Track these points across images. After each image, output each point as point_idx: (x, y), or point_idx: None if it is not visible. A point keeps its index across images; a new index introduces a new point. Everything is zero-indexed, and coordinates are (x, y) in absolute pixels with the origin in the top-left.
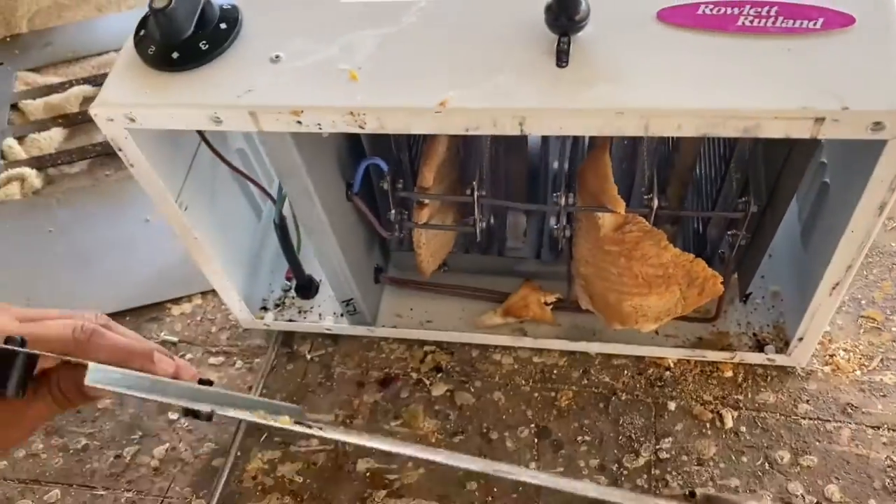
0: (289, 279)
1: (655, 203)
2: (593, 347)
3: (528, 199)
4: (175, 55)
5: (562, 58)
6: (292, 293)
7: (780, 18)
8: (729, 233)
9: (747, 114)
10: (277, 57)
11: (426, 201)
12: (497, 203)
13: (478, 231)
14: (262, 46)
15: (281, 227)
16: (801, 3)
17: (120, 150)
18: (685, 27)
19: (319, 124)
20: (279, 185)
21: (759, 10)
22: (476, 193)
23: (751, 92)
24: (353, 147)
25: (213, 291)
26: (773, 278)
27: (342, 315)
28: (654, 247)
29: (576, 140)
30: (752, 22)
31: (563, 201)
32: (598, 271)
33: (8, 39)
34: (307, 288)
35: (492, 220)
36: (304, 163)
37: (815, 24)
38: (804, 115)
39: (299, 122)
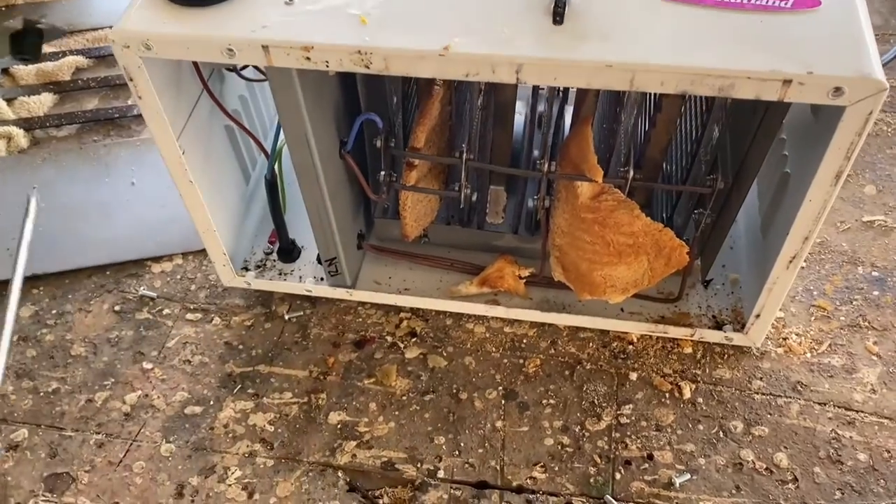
0: (271, 243)
1: (631, 174)
2: (562, 319)
3: (506, 176)
4: None
5: (557, 16)
6: (274, 256)
7: None
8: (695, 212)
9: (723, 73)
10: (291, 0)
11: (416, 162)
12: (483, 167)
13: (462, 197)
14: None
15: (271, 184)
16: None
17: (131, 79)
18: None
19: (327, 62)
20: (274, 140)
21: None
22: (465, 156)
23: (727, 55)
24: (350, 105)
25: (194, 253)
26: (734, 267)
27: (321, 280)
28: (627, 215)
29: (558, 119)
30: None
31: (545, 167)
32: (572, 241)
33: (3, 9)
34: (289, 251)
35: (474, 196)
36: (306, 106)
37: (785, 4)
38: (773, 76)
39: (308, 59)
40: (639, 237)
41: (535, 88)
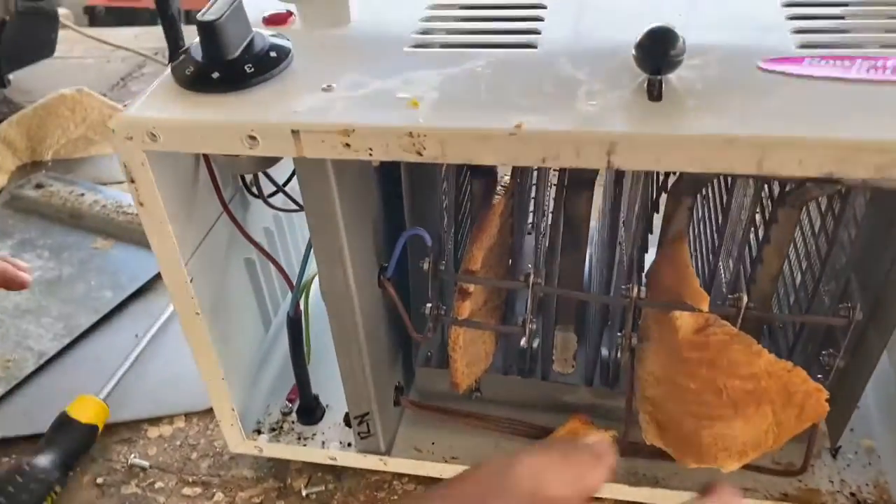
0: (291, 401)
1: (745, 300)
2: (657, 496)
3: (579, 314)
4: (216, 75)
5: (654, 92)
6: (293, 417)
7: None
8: (823, 353)
9: (883, 146)
10: (329, 87)
11: (471, 289)
12: (554, 291)
13: (527, 332)
14: (313, 77)
15: (294, 323)
16: None
17: (132, 181)
18: (794, 76)
19: (371, 149)
20: (301, 269)
21: (874, 62)
22: (532, 279)
23: (882, 128)
24: (392, 220)
25: (199, 414)
26: (864, 431)
27: (349, 445)
28: (745, 352)
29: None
30: (868, 72)
31: (634, 292)
32: (671, 390)
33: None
34: (311, 411)
35: (535, 341)
36: (342, 212)
37: None
38: None
39: (348, 146)
40: (761, 380)
41: (614, 205)
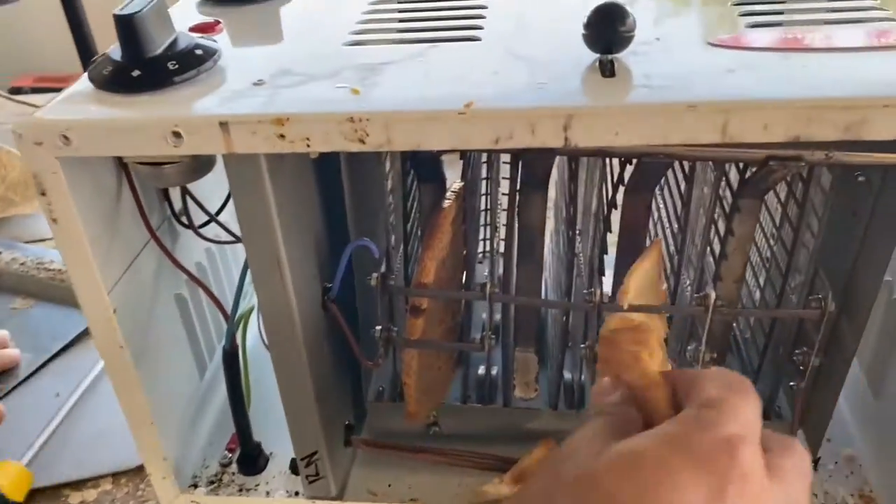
0: (230, 450)
1: (713, 297)
2: None
3: (539, 334)
4: (136, 73)
5: (606, 70)
6: (233, 468)
7: (858, 38)
8: (797, 352)
9: (851, 102)
10: (261, 81)
11: (424, 305)
12: (512, 300)
13: (486, 349)
14: (243, 73)
15: (230, 356)
16: (873, 29)
17: (43, 193)
18: (747, 48)
19: (308, 139)
20: (236, 298)
21: (825, 33)
22: (488, 289)
23: (846, 87)
24: (335, 234)
25: (128, 474)
26: (842, 440)
27: (296, 494)
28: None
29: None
30: (820, 41)
31: (596, 297)
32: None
33: None
34: (253, 459)
35: (494, 369)
36: (280, 222)
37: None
38: None
39: (282, 137)
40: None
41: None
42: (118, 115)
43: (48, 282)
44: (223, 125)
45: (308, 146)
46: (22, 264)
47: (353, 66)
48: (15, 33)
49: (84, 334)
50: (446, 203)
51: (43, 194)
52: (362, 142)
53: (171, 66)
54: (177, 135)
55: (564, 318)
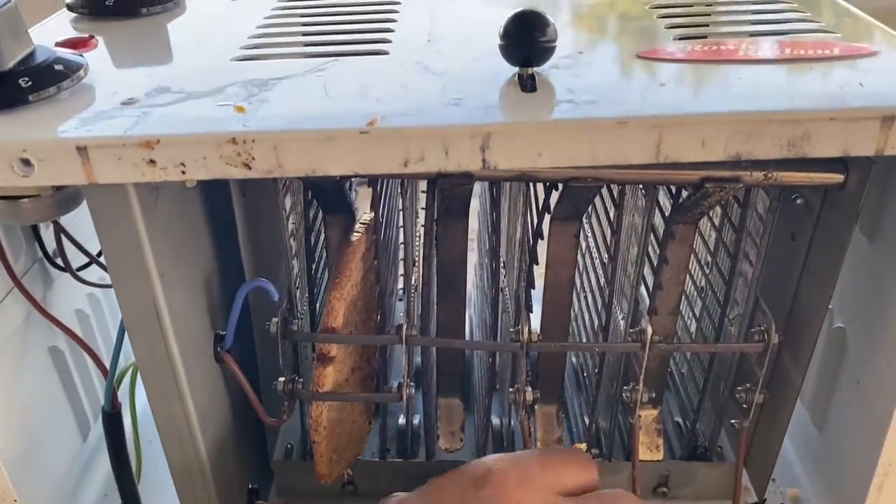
0: None
1: (649, 332)
2: None
3: (464, 379)
4: None
5: (526, 84)
6: None
7: (789, 49)
8: (739, 389)
9: (793, 115)
10: (132, 100)
11: (333, 353)
12: (433, 343)
13: (404, 398)
14: (111, 91)
15: (111, 418)
16: (802, 39)
17: None
18: (679, 61)
19: (183, 165)
20: (116, 349)
21: (756, 44)
22: (404, 332)
23: (788, 101)
24: (228, 274)
25: None
26: (787, 480)
27: None
28: None
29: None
30: (756, 53)
31: (524, 335)
32: None
33: None
34: None
35: (415, 418)
36: (157, 265)
37: (831, 52)
38: (868, 114)
39: (152, 163)
40: None
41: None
42: None
43: None
44: (81, 150)
45: (183, 173)
46: None
47: (240, 81)
48: None
49: None
50: (354, 236)
51: None
52: (247, 166)
53: (22, 82)
54: (25, 162)
55: (490, 359)
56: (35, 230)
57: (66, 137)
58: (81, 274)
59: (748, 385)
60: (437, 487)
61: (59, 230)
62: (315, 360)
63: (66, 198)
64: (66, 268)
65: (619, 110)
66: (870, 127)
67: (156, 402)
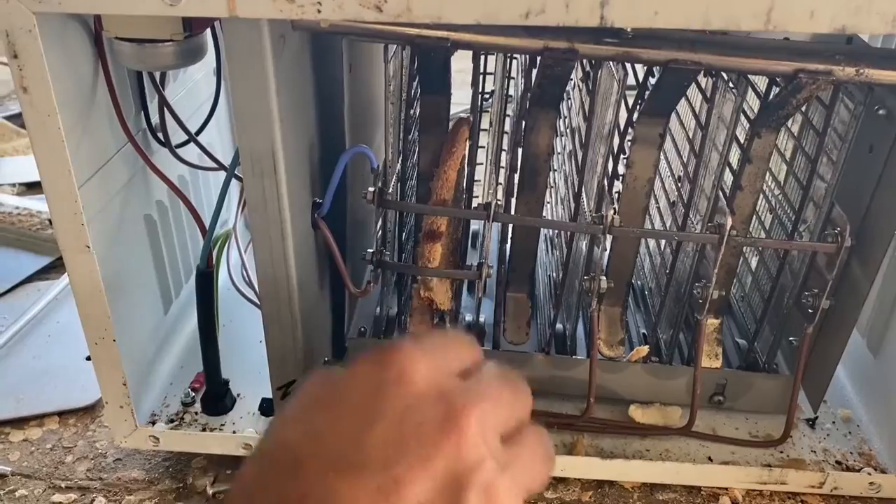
0: (195, 389)
1: (729, 224)
2: (632, 471)
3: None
4: None
5: None
6: (196, 407)
7: None
8: (806, 293)
9: None
10: None
11: (442, 227)
12: (516, 221)
13: (482, 277)
14: None
15: (205, 277)
16: None
17: (15, 56)
18: None
19: (319, 3)
20: (216, 212)
21: None
22: (495, 201)
23: None
24: (329, 145)
25: (77, 413)
26: (839, 401)
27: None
28: None
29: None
30: None
31: (607, 219)
32: None
33: None
34: (219, 398)
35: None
36: (279, 109)
37: None
38: None
39: (291, 1)
40: None
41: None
42: None
43: None
44: None
45: (319, 12)
46: None
47: None
48: None
49: (33, 277)
50: (465, 116)
51: (14, 56)
52: (379, 9)
53: None
54: None
55: (566, 253)
56: (143, 101)
57: None
58: (177, 152)
59: (815, 290)
60: (352, 374)
61: (164, 104)
62: (423, 237)
63: (187, 49)
64: (166, 143)
65: None
66: None
67: (262, 265)
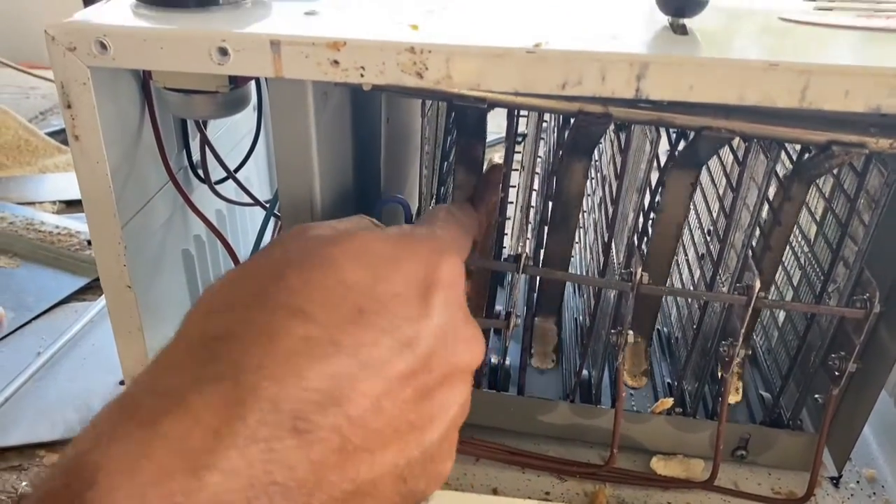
0: None
1: (757, 286)
2: None
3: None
4: None
5: (678, 27)
6: None
7: None
8: (833, 356)
9: None
10: (313, 11)
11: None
12: (546, 274)
13: (510, 327)
14: (289, 3)
15: None
16: None
17: (69, 106)
18: (820, 24)
19: (363, 68)
20: (252, 253)
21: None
22: (523, 259)
23: None
24: (364, 186)
25: None
26: (863, 461)
27: None
28: None
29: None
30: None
31: (636, 277)
32: None
33: None
34: None
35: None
36: (318, 162)
37: None
38: None
39: (336, 64)
40: None
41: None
42: (161, 25)
43: (37, 243)
44: (274, 44)
45: (362, 76)
46: (10, 224)
47: (415, 1)
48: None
49: (70, 298)
50: (496, 162)
51: (68, 107)
52: (420, 75)
53: None
54: (223, 51)
55: (593, 303)
56: (185, 140)
57: (262, 33)
58: (216, 188)
59: (842, 353)
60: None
61: (205, 143)
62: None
63: (232, 100)
64: (206, 179)
65: (770, 55)
66: None
67: None
